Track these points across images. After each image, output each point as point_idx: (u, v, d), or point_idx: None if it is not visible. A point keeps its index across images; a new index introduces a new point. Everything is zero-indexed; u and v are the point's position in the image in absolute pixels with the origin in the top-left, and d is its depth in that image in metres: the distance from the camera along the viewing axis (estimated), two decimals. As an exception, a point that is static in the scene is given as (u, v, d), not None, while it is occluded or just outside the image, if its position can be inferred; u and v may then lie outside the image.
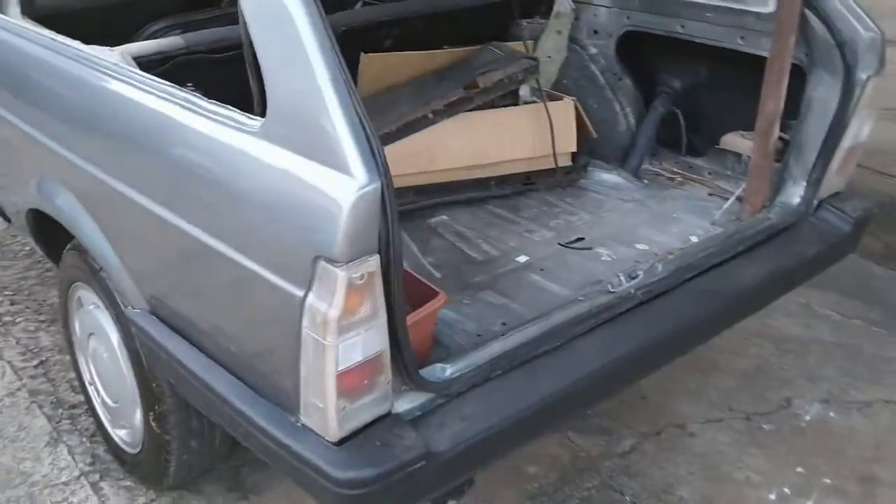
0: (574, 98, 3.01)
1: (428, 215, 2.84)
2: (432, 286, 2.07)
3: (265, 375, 1.81)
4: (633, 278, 2.31)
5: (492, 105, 2.90)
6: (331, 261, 1.51)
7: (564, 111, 2.94)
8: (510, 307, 2.34)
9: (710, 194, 3.02)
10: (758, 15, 2.74)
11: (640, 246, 2.68)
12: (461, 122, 2.79)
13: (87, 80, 2.16)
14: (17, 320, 3.33)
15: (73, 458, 2.68)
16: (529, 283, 2.47)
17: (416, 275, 2.12)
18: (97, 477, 2.62)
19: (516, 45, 3.08)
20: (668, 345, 2.21)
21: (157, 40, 2.49)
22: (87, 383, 2.71)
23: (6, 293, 3.51)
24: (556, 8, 3.24)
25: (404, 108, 2.73)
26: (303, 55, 1.58)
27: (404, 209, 2.79)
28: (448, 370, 1.91)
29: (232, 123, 1.74)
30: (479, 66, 2.83)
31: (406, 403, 1.81)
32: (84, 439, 2.77)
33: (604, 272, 2.50)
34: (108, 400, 2.59)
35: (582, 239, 2.72)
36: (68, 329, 2.68)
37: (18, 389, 2.96)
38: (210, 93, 2.22)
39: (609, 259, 2.60)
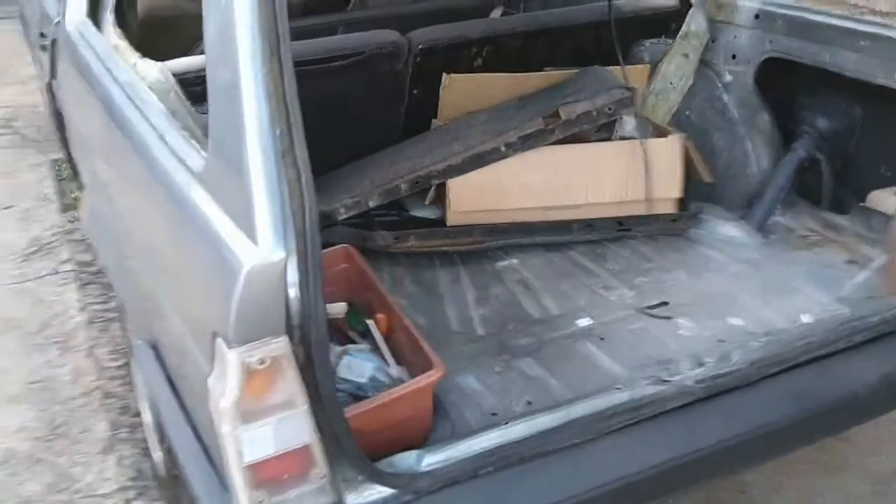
0: (685, 134, 2.57)
1: (497, 258, 2.54)
2: (432, 356, 1.79)
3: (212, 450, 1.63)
4: (700, 365, 1.91)
5: (582, 139, 2.54)
6: (225, 339, 1.29)
7: (669, 150, 2.53)
8: (546, 383, 2.00)
9: (849, 262, 2.48)
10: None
11: (733, 320, 2.23)
12: (540, 156, 2.46)
13: (110, 95, 2.08)
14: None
15: (119, 469, 2.65)
16: (581, 354, 2.12)
17: (419, 338, 1.85)
18: (133, 494, 2.57)
19: (634, 70, 2.69)
20: (717, 460, 1.79)
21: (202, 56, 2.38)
22: (138, 397, 2.68)
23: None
24: (685, 27, 2.80)
25: (474, 137, 2.45)
26: (237, 94, 1.37)
27: (468, 249, 2.52)
28: (424, 460, 1.63)
29: (180, 158, 1.57)
30: (567, 93, 2.48)
31: (359, 497, 1.56)
32: (135, 452, 2.73)
33: (675, 350, 2.10)
34: (146, 418, 2.55)
35: (665, 304, 2.31)
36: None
37: (95, 389, 2.99)
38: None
39: (687, 333, 2.18)
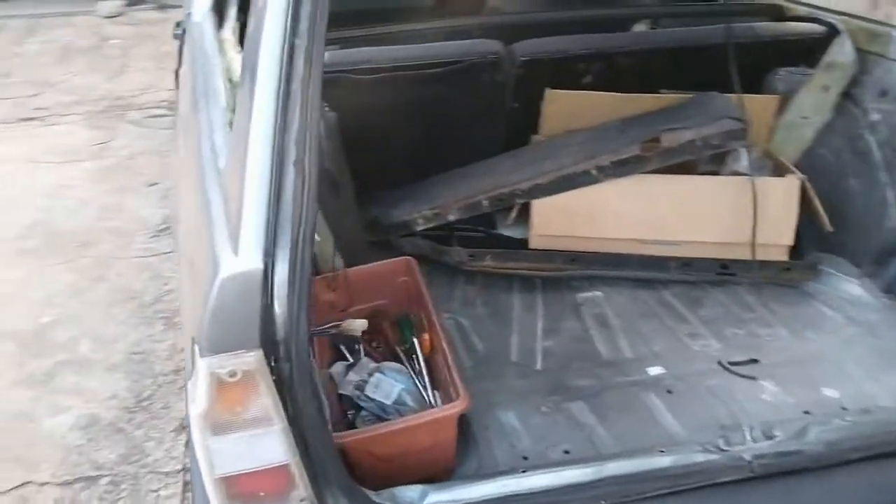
0: (804, 177, 2.30)
1: (579, 288, 2.38)
2: (459, 386, 1.68)
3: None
4: (768, 437, 1.69)
5: (689, 169, 2.33)
6: (199, 346, 1.25)
7: (785, 192, 2.27)
8: (592, 432, 1.84)
9: None
10: None
11: (827, 391, 1.97)
12: (636, 184, 2.28)
13: (195, 87, 2.11)
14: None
15: (185, 449, 2.71)
16: (642, 406, 1.93)
17: (451, 364, 1.75)
18: (190, 477, 2.63)
19: (759, 100, 2.44)
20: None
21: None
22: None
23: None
24: (828, 57, 2.51)
25: (567, 157, 2.30)
26: (252, 89, 1.33)
27: (549, 276, 2.37)
28: (428, 497, 1.53)
29: (216, 155, 1.55)
30: (673, 119, 2.28)
31: (351, 525, 1.48)
32: (208, 434, 2.80)
33: (747, 416, 1.87)
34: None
35: (755, 361, 2.08)
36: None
37: (184, 369, 3.09)
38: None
39: (769, 398, 1.95)
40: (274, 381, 1.27)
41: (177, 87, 3.11)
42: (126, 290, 3.45)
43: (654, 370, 2.05)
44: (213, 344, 1.23)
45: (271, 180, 1.27)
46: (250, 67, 1.45)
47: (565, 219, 2.32)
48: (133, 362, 3.05)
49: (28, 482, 2.54)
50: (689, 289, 2.37)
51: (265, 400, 1.28)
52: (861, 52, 2.50)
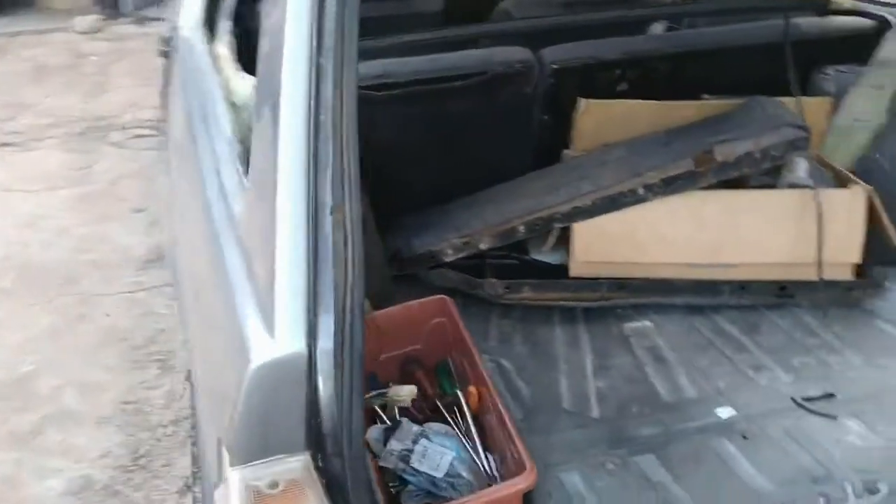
0: (870, 187, 2.09)
1: (627, 318, 2.15)
2: (524, 455, 1.45)
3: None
4: (871, 492, 1.49)
5: (739, 184, 2.11)
6: (229, 451, 1.01)
7: (850, 205, 2.06)
8: (668, 492, 1.61)
9: None
10: None
11: (920, 429, 1.76)
12: (686, 203, 2.06)
13: (191, 110, 1.87)
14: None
15: (192, 512, 2.47)
16: (717, 455, 1.71)
17: (512, 428, 1.52)
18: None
19: (812, 102, 2.23)
20: None
21: None
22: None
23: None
24: (882, 53, 2.31)
25: (608, 176, 2.08)
26: (275, 125, 1.10)
27: (593, 306, 2.15)
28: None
29: (226, 196, 1.31)
30: (724, 129, 2.06)
31: None
32: (216, 490, 2.55)
33: (838, 464, 1.66)
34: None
35: (832, 396, 1.86)
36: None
37: (185, 419, 2.82)
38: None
39: (858, 441, 1.73)
40: (323, 484, 1.03)
41: (163, 107, 2.86)
42: (113, 331, 3.18)
43: (724, 412, 1.83)
44: (249, 450, 0.99)
45: (308, 236, 1.04)
46: (269, 96, 1.22)
47: (609, 243, 2.10)
48: (126, 413, 2.79)
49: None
50: (746, 314, 2.15)
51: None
52: (916, 47, 2.30)
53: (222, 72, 2.04)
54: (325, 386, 0.99)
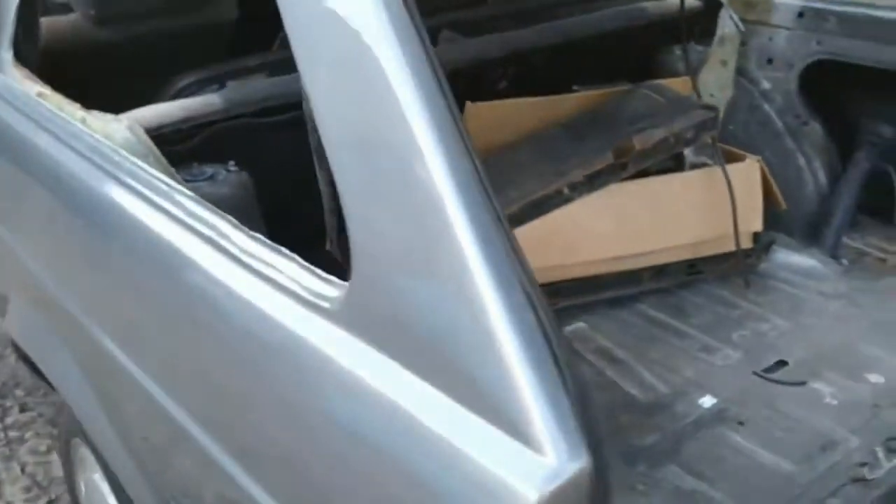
0: (759, 158, 2.19)
1: (562, 322, 2.06)
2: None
3: None
4: (893, 452, 1.53)
5: (644, 172, 2.10)
6: None
7: (747, 176, 2.14)
8: (712, 500, 1.55)
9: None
10: None
11: (872, 377, 1.86)
12: (607, 197, 2.00)
13: (70, 171, 1.46)
14: (27, 436, 2.64)
15: None
16: (730, 448, 1.67)
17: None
18: None
19: (676, 83, 2.28)
20: None
21: (183, 101, 1.77)
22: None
23: (18, 393, 2.84)
24: (719, 30, 2.43)
25: (530, 180, 1.96)
26: (414, 168, 0.84)
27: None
28: None
29: (283, 283, 1.00)
30: (632, 118, 2.04)
31: None
32: None
33: (833, 429, 1.70)
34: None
35: (784, 363, 1.92)
36: (74, 494, 1.98)
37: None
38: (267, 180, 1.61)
39: (834, 402, 1.79)
40: None
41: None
42: None
43: (706, 401, 1.81)
44: None
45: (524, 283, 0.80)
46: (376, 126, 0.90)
47: (540, 250, 1.97)
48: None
49: None
50: (665, 297, 2.16)
51: None
52: (745, 22, 2.45)
53: (69, 115, 1.63)
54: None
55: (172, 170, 1.48)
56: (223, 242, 1.11)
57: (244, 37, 2.53)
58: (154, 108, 1.70)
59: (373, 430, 0.86)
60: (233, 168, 1.66)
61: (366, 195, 0.89)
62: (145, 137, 1.55)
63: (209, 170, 1.66)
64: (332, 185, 1.44)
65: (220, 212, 1.19)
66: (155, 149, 1.52)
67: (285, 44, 2.03)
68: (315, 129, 1.40)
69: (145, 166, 1.40)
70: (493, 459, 0.75)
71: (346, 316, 0.90)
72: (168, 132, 1.66)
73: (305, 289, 0.95)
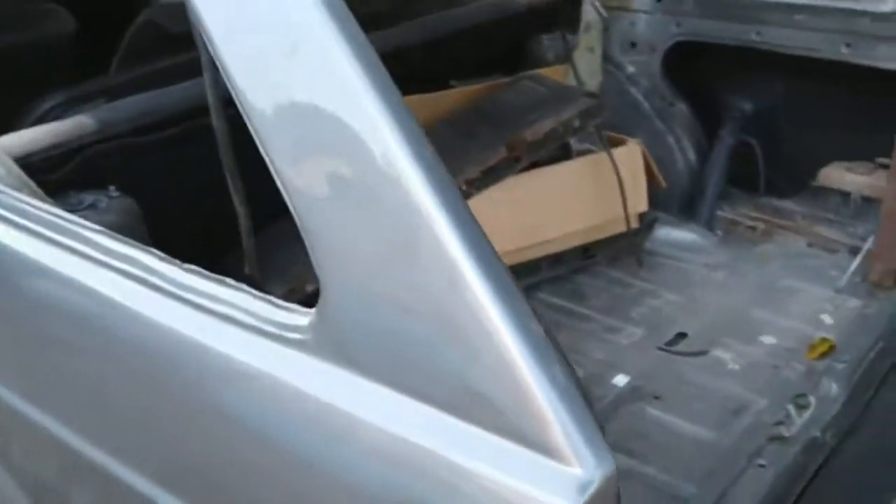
0: (639, 140, 2.26)
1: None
2: None
3: None
4: (803, 408, 1.63)
5: (534, 164, 2.13)
6: None
7: (630, 159, 2.20)
8: (643, 474, 1.59)
9: (810, 245, 2.34)
10: (873, 16, 2.09)
11: (766, 339, 1.98)
12: (503, 190, 2.01)
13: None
14: None
15: None
16: (649, 422, 1.74)
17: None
18: None
19: (553, 71, 2.31)
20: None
21: (50, 125, 1.61)
22: None
23: None
24: (584, 17, 2.49)
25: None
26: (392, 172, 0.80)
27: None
28: None
29: (238, 318, 0.92)
30: (519, 111, 2.06)
31: None
32: None
33: (741, 392, 1.80)
34: None
35: (685, 335, 2.00)
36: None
37: None
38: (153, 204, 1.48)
39: (736, 367, 1.89)
40: None
41: None
42: None
43: (620, 380, 1.86)
44: None
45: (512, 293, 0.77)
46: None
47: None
48: None
49: None
50: (562, 284, 2.20)
51: None
52: (607, 8, 2.52)
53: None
54: None
55: (51, 201, 1.35)
56: (152, 278, 1.02)
57: (84, 50, 2.36)
58: (18, 136, 1.53)
59: (377, 470, 0.81)
60: (115, 194, 1.53)
61: (326, 205, 0.83)
62: (16, 168, 1.41)
63: (88, 198, 1.52)
64: (247, 204, 1.36)
65: (136, 243, 1.10)
66: (29, 180, 1.39)
67: (125, 63, 1.91)
68: (228, 147, 1.32)
69: (32, 200, 1.27)
70: (517, 477, 0.71)
71: (321, 344, 0.84)
72: (37, 160, 1.50)
73: (267, 321, 0.88)
